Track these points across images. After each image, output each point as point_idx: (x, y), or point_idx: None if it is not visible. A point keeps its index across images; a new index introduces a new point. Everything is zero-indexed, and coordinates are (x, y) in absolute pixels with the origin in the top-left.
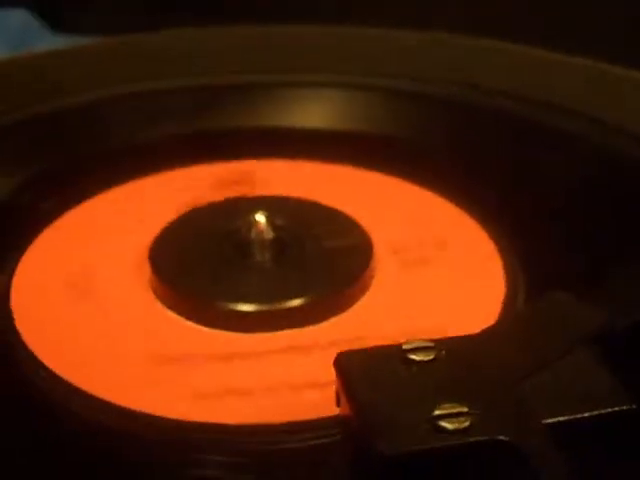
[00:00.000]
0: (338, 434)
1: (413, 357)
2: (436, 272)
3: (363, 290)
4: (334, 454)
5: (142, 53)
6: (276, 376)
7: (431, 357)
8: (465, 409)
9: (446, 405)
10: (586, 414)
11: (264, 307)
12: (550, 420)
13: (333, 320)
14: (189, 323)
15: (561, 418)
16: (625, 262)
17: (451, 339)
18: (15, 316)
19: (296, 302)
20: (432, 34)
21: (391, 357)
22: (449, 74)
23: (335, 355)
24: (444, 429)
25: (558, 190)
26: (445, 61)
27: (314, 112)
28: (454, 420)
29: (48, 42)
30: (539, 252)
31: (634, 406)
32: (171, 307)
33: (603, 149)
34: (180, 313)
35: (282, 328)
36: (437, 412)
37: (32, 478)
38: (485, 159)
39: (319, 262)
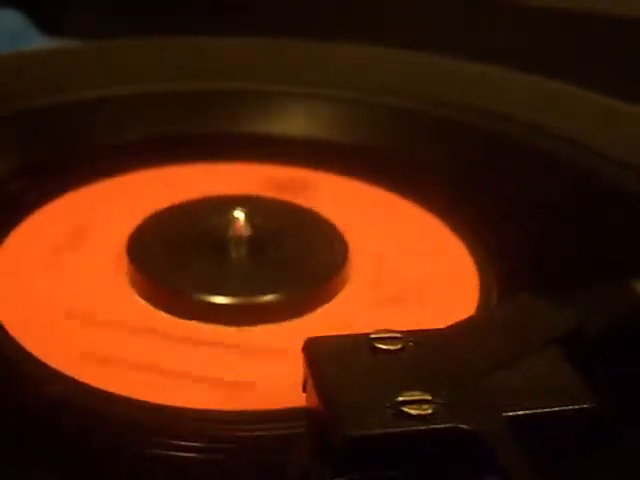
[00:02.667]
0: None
1: (380, 346)
2: (412, 277)
3: (336, 289)
4: (295, 444)
5: (144, 56)
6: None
7: (398, 347)
8: (429, 397)
9: (410, 393)
10: (547, 409)
11: (236, 300)
12: (511, 413)
13: (306, 317)
14: (159, 312)
15: (522, 412)
16: (596, 269)
17: (419, 331)
18: None
19: (268, 298)
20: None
21: (359, 345)
22: (433, 92)
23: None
24: (407, 415)
25: (535, 204)
26: (429, 80)
27: (305, 121)
28: (417, 407)
29: (38, 43)
30: (512, 258)
31: (594, 404)
32: (143, 296)
33: (577, 168)
34: (151, 302)
35: (253, 323)
36: (401, 398)
37: None
38: (457, 171)
39: (294, 260)
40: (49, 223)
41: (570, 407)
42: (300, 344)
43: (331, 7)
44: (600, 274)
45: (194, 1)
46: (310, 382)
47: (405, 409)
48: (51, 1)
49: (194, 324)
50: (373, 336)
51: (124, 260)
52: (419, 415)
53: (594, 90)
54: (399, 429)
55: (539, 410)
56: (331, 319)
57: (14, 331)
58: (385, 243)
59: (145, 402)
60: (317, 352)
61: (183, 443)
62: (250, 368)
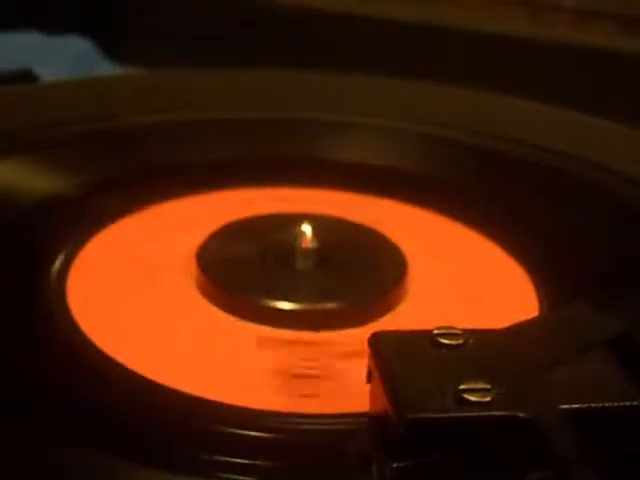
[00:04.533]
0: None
1: (442, 341)
2: (469, 290)
3: (395, 302)
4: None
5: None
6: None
7: (459, 342)
8: (488, 387)
9: (471, 382)
10: (599, 404)
11: (304, 306)
12: (566, 406)
13: (366, 326)
14: (230, 317)
15: (576, 405)
16: None
17: (479, 330)
18: (69, 295)
19: (331, 305)
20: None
21: (422, 340)
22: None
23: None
24: (467, 401)
25: (583, 225)
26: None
27: (363, 148)
28: (477, 395)
29: (103, 68)
30: (566, 274)
31: None
32: (216, 303)
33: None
34: (223, 308)
35: (317, 329)
36: (462, 387)
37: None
38: (510, 198)
39: (356, 273)
40: (123, 236)
41: (621, 404)
42: (360, 349)
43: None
44: None
45: (249, 36)
46: (374, 372)
47: (465, 396)
48: (116, 28)
49: (262, 328)
50: (435, 332)
51: (195, 270)
52: (479, 402)
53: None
54: (459, 414)
55: (592, 405)
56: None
57: (94, 337)
58: (443, 264)
59: (216, 402)
60: (382, 345)
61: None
62: (315, 371)
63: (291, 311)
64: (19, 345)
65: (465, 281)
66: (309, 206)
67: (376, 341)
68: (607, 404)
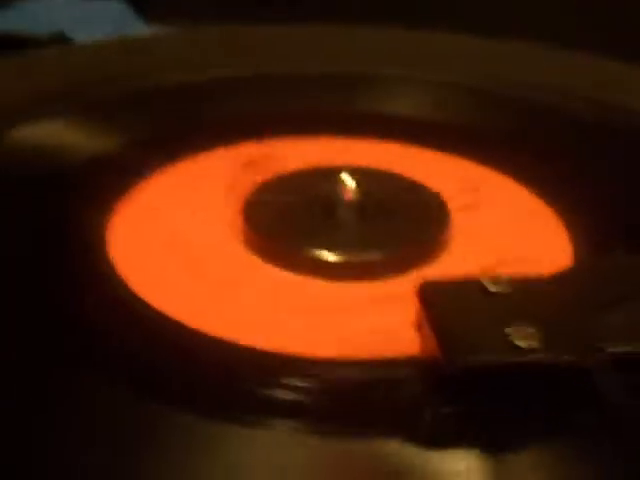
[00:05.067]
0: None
1: (490, 288)
2: (510, 242)
3: (437, 251)
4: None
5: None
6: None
7: (507, 290)
8: (536, 331)
9: (519, 327)
10: None
11: (350, 257)
12: (613, 349)
13: (412, 273)
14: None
15: (622, 349)
16: None
17: (527, 277)
18: (110, 250)
19: (378, 254)
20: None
21: (470, 287)
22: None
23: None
24: (516, 346)
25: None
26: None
27: (402, 101)
28: (526, 339)
29: (139, 30)
30: (603, 225)
31: None
32: (261, 255)
33: None
34: (270, 261)
35: (363, 279)
36: (510, 332)
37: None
38: (548, 149)
39: (398, 223)
40: (164, 190)
41: None
42: (404, 299)
43: None
44: None
45: None
46: (424, 320)
47: (514, 341)
48: None
49: (304, 279)
50: (483, 280)
51: (238, 220)
52: (527, 347)
53: None
54: (509, 358)
55: (638, 348)
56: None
57: (135, 286)
58: (484, 214)
59: (257, 349)
60: (431, 293)
61: (292, 381)
62: (359, 320)
63: (334, 262)
64: (63, 292)
65: (506, 231)
66: (350, 157)
67: (425, 290)
68: None
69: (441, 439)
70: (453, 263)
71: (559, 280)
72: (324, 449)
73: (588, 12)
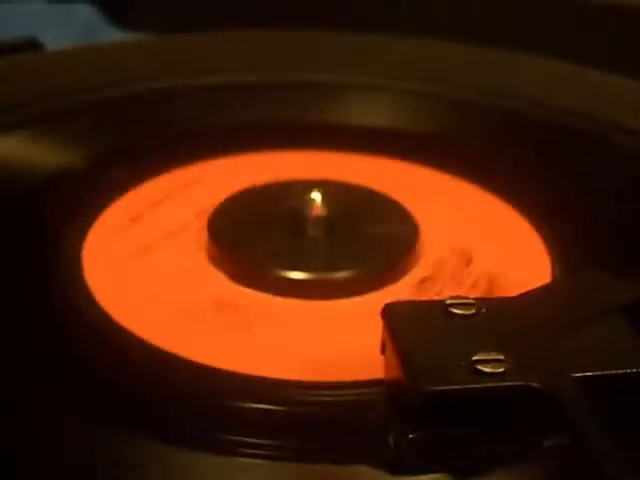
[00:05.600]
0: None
1: (455, 310)
2: (482, 254)
3: (407, 268)
4: (372, 408)
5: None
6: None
7: (472, 312)
8: (502, 357)
9: (484, 353)
10: (612, 371)
11: (314, 276)
12: (579, 374)
13: (376, 293)
14: (237, 285)
15: (589, 373)
16: None
17: (492, 299)
18: (85, 270)
19: (342, 274)
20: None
21: (435, 309)
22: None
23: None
24: (482, 372)
25: (594, 186)
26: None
27: (370, 111)
28: (491, 366)
29: (110, 36)
30: (578, 238)
31: None
32: (226, 272)
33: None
34: (229, 276)
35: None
36: (476, 357)
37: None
38: (526, 161)
39: (367, 239)
40: (133, 205)
41: (635, 370)
42: (373, 318)
43: None
44: None
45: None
46: (388, 344)
47: (479, 367)
48: None
49: (270, 298)
50: (448, 302)
51: (204, 237)
52: (493, 373)
53: None
54: (474, 385)
55: (605, 372)
56: (401, 296)
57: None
58: (454, 227)
59: (222, 370)
60: (395, 315)
61: (257, 405)
62: (326, 341)
63: (301, 280)
64: (36, 317)
65: (478, 245)
66: (316, 170)
67: (389, 311)
68: (621, 371)
69: (408, 463)
70: (424, 279)
71: (527, 301)
72: (289, 473)
73: (568, 22)
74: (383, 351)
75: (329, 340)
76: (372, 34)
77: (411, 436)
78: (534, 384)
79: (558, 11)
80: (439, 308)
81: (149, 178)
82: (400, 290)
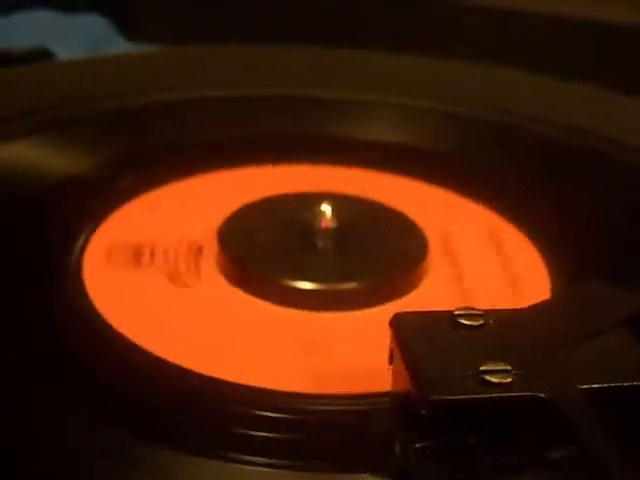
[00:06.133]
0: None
1: (463, 321)
2: (487, 271)
3: (416, 281)
4: (379, 417)
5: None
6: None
7: (480, 323)
8: (509, 368)
9: (491, 363)
10: (618, 384)
11: (324, 287)
12: (586, 386)
13: (385, 306)
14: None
15: (595, 385)
16: None
17: (499, 310)
18: (85, 278)
19: (351, 285)
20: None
21: (442, 320)
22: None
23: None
24: (489, 382)
25: (593, 201)
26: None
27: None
28: (498, 376)
29: (119, 47)
30: (579, 252)
31: None
32: (237, 284)
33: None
34: (246, 290)
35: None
36: (483, 368)
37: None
38: (527, 178)
39: (376, 252)
40: (137, 214)
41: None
42: (380, 330)
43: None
44: None
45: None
46: (396, 353)
47: (486, 377)
48: (132, 6)
49: (280, 309)
50: (456, 313)
51: (214, 249)
52: (500, 383)
53: None
54: (481, 395)
55: (612, 384)
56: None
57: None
58: (461, 242)
59: (228, 381)
60: (403, 326)
61: (265, 415)
62: (333, 351)
63: (311, 291)
64: (36, 317)
65: (484, 259)
66: (326, 184)
67: (397, 322)
68: (627, 383)
69: (414, 473)
70: (431, 293)
71: (533, 313)
72: None
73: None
74: (391, 361)
75: (337, 351)
76: (375, 50)
77: (417, 446)
78: (541, 394)
79: (559, 31)
80: (447, 319)
81: (154, 187)
82: (408, 303)
